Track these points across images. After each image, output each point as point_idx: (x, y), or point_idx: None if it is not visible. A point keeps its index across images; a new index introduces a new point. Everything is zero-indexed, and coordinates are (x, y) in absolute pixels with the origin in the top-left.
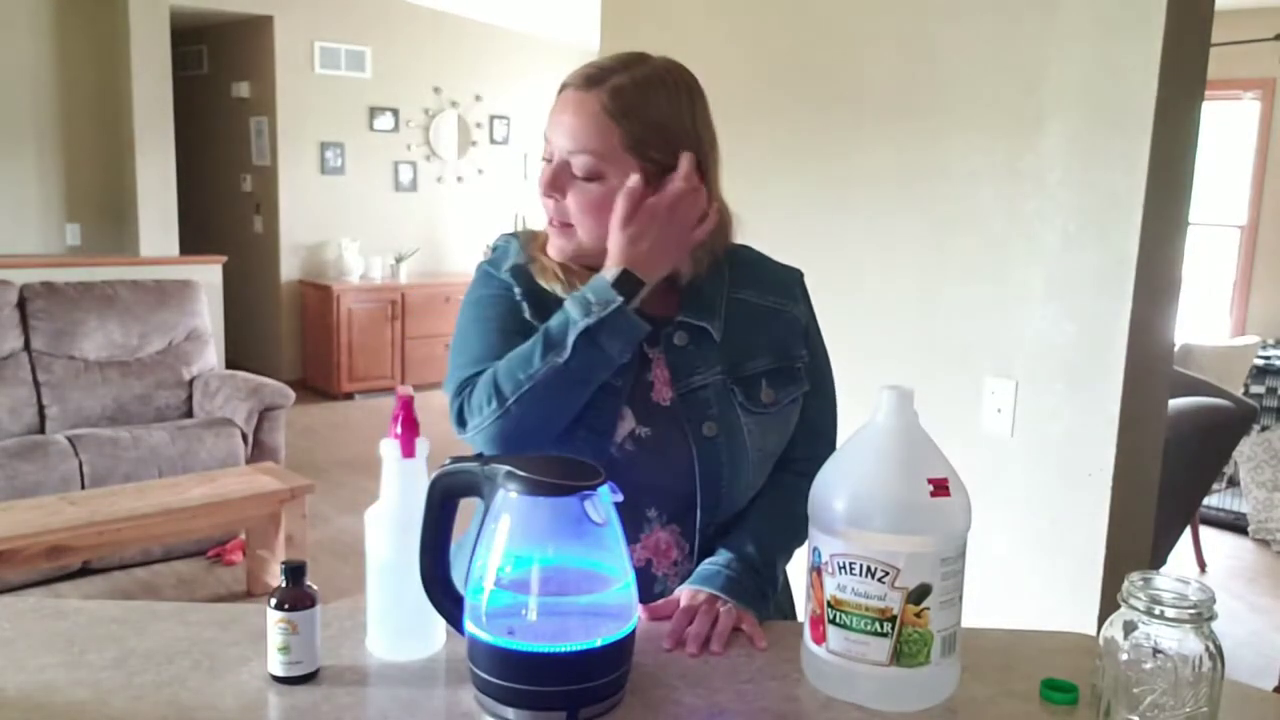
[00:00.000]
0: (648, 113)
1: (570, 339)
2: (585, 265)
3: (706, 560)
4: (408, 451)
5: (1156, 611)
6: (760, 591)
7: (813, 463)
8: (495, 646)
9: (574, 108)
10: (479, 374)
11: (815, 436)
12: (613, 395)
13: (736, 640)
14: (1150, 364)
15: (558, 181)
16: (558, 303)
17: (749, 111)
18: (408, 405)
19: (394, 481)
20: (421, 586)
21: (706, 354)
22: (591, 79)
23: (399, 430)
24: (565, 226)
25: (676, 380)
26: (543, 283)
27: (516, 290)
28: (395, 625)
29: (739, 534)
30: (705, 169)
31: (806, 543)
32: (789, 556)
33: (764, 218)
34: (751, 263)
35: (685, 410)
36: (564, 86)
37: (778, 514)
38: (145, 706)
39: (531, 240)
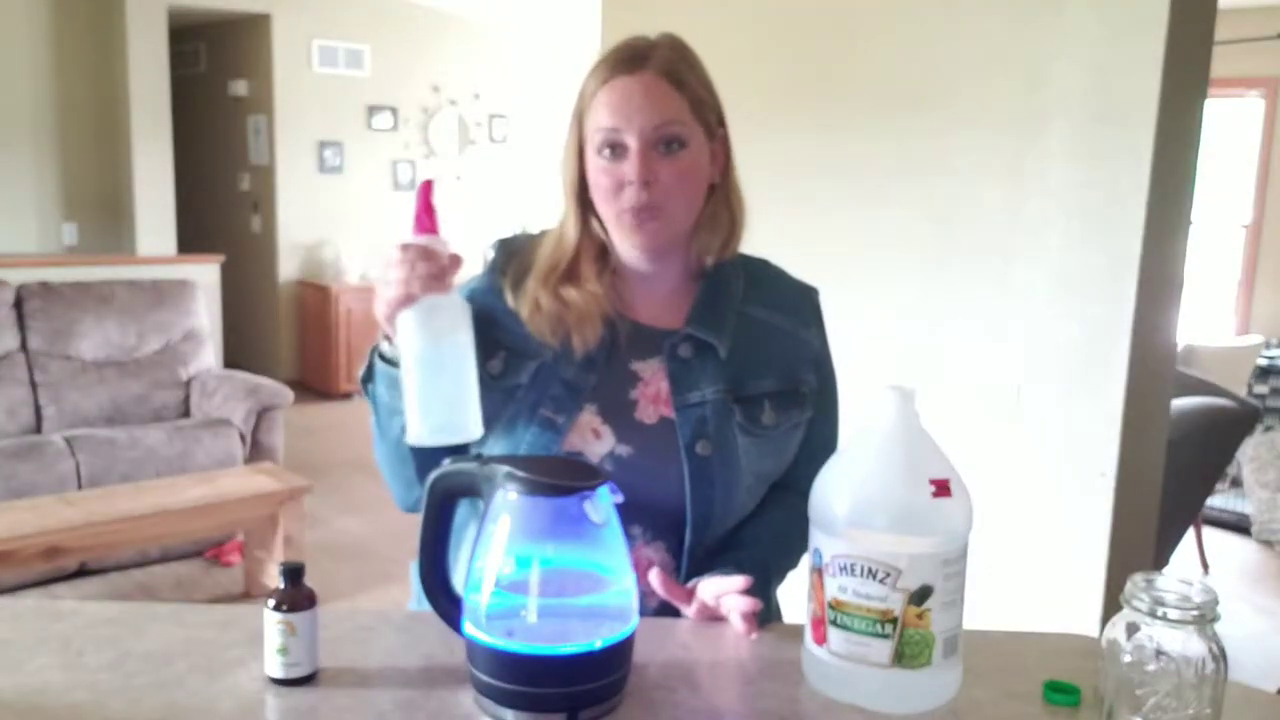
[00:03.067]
0: (693, 78)
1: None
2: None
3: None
4: (425, 227)
5: (1159, 613)
6: (762, 594)
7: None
8: (494, 649)
9: (640, 88)
10: None
11: (818, 459)
12: (549, 428)
13: (736, 643)
14: (1153, 364)
15: (651, 164)
16: (514, 319)
17: (751, 110)
18: (427, 190)
19: None
20: (457, 375)
21: (710, 370)
22: (636, 60)
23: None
24: (658, 211)
25: (676, 394)
26: (527, 319)
27: None
28: (436, 413)
29: (738, 551)
30: (722, 130)
31: (805, 545)
32: (783, 577)
33: (765, 217)
34: (767, 279)
35: (680, 427)
36: (607, 78)
37: (778, 533)
38: (143, 708)
39: (522, 249)
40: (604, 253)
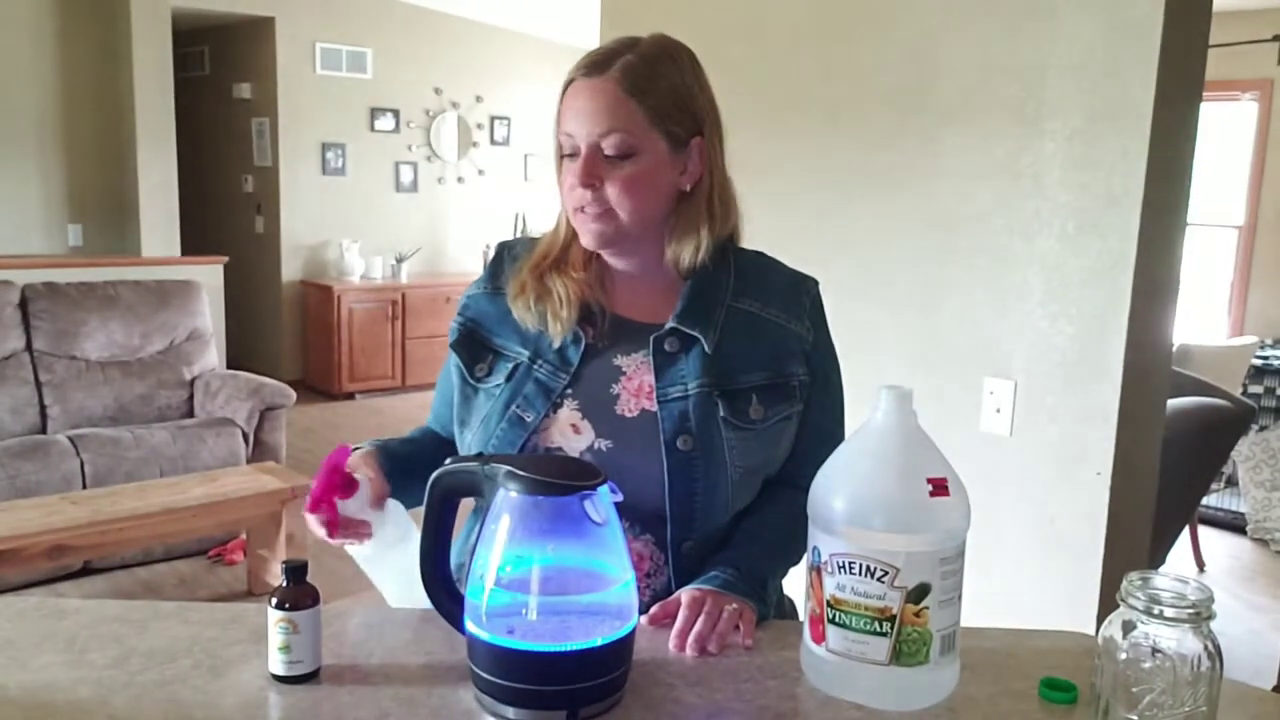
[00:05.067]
0: (660, 85)
1: None
2: (613, 255)
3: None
4: (340, 495)
5: (1155, 611)
6: (758, 595)
7: (812, 480)
8: (495, 646)
9: (590, 93)
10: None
11: (817, 453)
12: (518, 425)
13: (734, 640)
14: (1149, 364)
15: (593, 169)
16: (501, 324)
17: (749, 112)
18: (338, 462)
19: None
20: (407, 574)
21: (695, 364)
22: (598, 64)
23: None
24: (605, 213)
25: (659, 387)
26: (511, 301)
27: (456, 320)
28: (399, 599)
29: (732, 550)
30: (712, 141)
31: (806, 542)
32: (784, 573)
33: (763, 217)
34: (760, 270)
35: (662, 421)
36: (570, 80)
37: (775, 530)
38: (146, 706)
39: (524, 251)
40: None
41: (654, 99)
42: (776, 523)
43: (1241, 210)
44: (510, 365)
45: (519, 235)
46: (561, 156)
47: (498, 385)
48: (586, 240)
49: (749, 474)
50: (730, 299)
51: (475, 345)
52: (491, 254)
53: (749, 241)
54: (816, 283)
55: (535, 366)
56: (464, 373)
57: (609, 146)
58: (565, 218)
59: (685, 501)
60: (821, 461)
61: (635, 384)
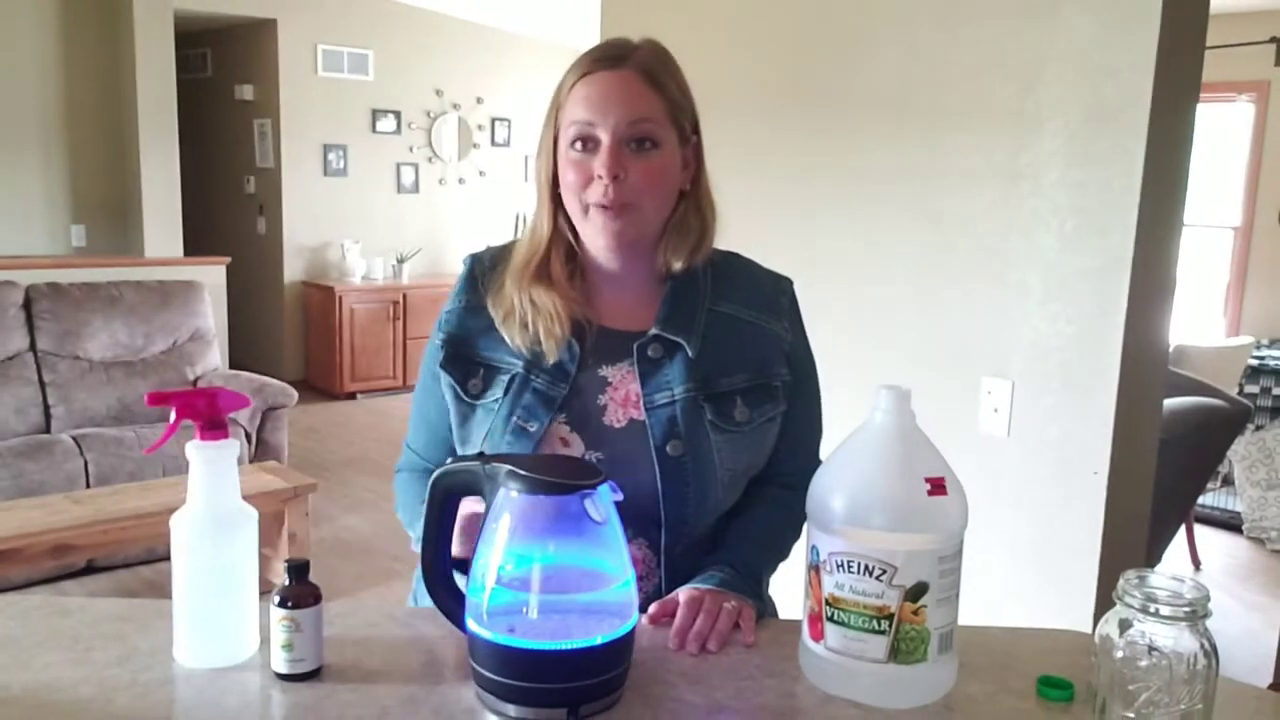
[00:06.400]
0: (671, 82)
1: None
2: (617, 258)
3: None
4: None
5: (1151, 609)
6: (755, 592)
7: (797, 476)
8: (496, 644)
9: (617, 82)
10: (409, 456)
11: (800, 451)
12: (523, 437)
13: (735, 639)
14: (1146, 364)
15: (621, 159)
16: (485, 337)
17: (748, 113)
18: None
19: (198, 481)
20: (232, 593)
21: (680, 370)
22: (616, 58)
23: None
24: (625, 208)
25: (646, 395)
26: (496, 315)
27: (439, 338)
28: (206, 631)
29: (726, 551)
30: (696, 138)
31: (805, 541)
32: (774, 569)
33: (762, 218)
34: (736, 271)
35: (651, 428)
36: (584, 72)
37: (765, 529)
38: (149, 704)
39: (499, 260)
40: (573, 253)
41: (669, 92)
42: (766, 520)
43: (1238, 211)
44: (506, 378)
45: (485, 246)
46: (555, 154)
47: (496, 400)
48: (604, 240)
49: (738, 475)
50: (710, 302)
51: (464, 361)
52: (463, 269)
53: (747, 243)
54: (791, 282)
55: (532, 377)
56: (458, 391)
57: (637, 135)
58: (545, 220)
59: (678, 506)
60: (804, 458)
61: (622, 394)
